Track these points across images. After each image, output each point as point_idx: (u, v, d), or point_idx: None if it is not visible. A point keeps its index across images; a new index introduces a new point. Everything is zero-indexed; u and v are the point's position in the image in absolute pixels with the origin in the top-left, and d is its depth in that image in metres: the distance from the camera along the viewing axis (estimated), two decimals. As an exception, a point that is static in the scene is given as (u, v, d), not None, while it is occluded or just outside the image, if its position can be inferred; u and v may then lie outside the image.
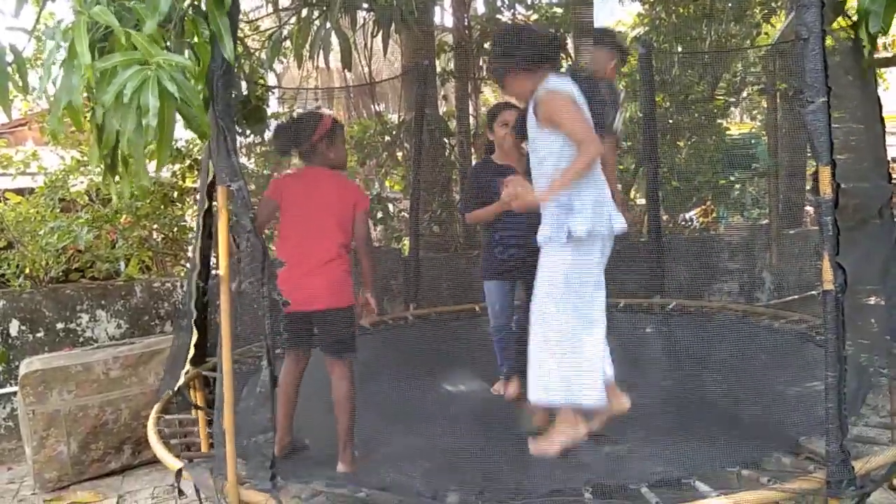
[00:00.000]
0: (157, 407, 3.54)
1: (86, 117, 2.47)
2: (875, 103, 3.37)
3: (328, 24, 3.84)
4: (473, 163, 6.13)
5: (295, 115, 4.41)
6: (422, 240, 5.79)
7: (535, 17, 7.17)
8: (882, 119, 3.47)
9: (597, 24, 7.90)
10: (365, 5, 4.55)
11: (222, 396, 2.49)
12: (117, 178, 2.56)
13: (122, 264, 5.79)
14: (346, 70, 4.28)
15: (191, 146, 6.00)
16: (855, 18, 2.77)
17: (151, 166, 2.51)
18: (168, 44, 2.37)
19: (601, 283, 2.81)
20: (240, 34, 5.11)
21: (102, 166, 2.49)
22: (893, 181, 3.47)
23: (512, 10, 6.99)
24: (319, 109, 4.25)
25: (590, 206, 2.72)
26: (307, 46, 4.10)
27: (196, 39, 2.37)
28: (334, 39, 3.94)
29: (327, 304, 3.17)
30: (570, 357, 2.72)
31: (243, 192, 2.40)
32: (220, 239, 2.44)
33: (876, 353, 3.55)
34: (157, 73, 2.15)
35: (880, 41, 7.23)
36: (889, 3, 2.45)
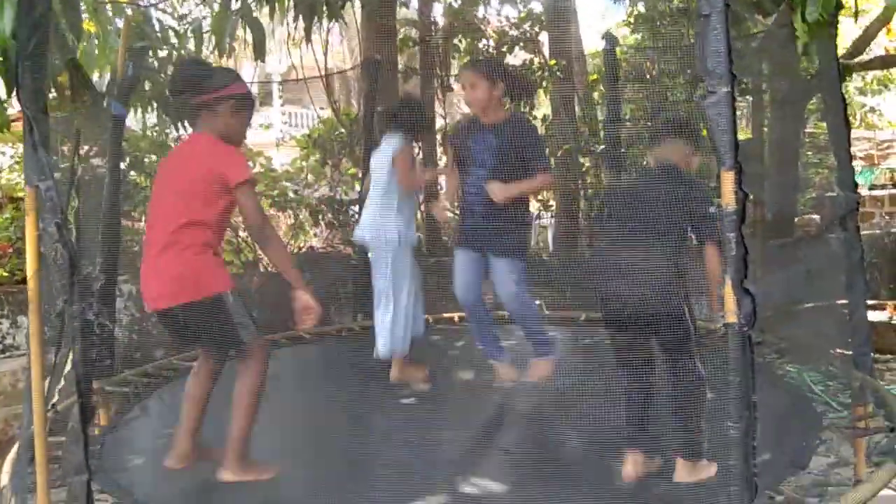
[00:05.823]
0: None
1: None
2: (840, 103, 2.99)
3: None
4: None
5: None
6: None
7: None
8: (847, 121, 3.09)
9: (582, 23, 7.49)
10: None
11: (30, 426, 2.16)
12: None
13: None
14: (258, 61, 3.92)
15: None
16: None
17: None
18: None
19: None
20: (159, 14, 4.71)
21: None
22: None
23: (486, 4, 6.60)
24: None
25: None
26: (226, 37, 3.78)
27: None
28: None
29: (170, 301, 2.56)
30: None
31: (52, 192, 2.03)
32: (28, 249, 2.10)
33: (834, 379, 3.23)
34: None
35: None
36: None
